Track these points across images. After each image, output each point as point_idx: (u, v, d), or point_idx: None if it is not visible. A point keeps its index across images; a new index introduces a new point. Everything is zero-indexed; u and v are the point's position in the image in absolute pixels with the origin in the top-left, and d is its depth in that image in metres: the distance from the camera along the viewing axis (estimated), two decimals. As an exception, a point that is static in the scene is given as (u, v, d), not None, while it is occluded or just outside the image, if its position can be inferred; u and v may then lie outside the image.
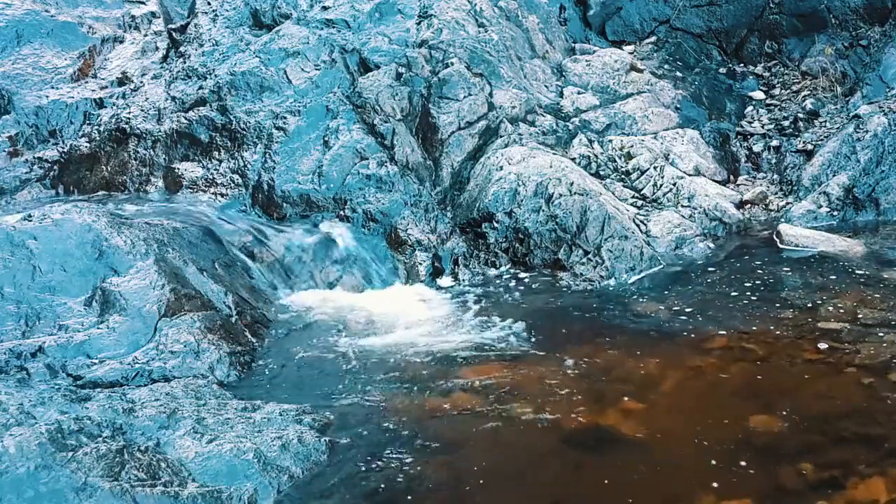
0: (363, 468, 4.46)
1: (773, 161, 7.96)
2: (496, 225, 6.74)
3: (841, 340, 5.43)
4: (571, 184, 6.79)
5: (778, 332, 5.59)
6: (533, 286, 6.45)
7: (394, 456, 4.54)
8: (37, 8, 8.55)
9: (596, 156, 7.51)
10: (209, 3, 8.27)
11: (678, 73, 8.53)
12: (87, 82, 8.16)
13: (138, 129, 7.48)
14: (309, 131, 7.20)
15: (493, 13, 8.07)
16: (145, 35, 8.69)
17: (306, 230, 6.77)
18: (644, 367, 5.31)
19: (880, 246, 6.84)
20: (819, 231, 7.04)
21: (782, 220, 7.33)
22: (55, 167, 7.52)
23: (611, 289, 6.39)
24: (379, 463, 4.49)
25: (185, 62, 7.88)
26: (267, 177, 7.01)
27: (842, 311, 5.78)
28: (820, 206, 7.36)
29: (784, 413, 4.77)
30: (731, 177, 7.90)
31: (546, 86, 8.11)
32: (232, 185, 7.08)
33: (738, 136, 8.13)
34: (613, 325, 5.88)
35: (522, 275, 6.58)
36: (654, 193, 7.33)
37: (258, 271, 6.43)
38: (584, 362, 5.41)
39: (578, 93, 8.06)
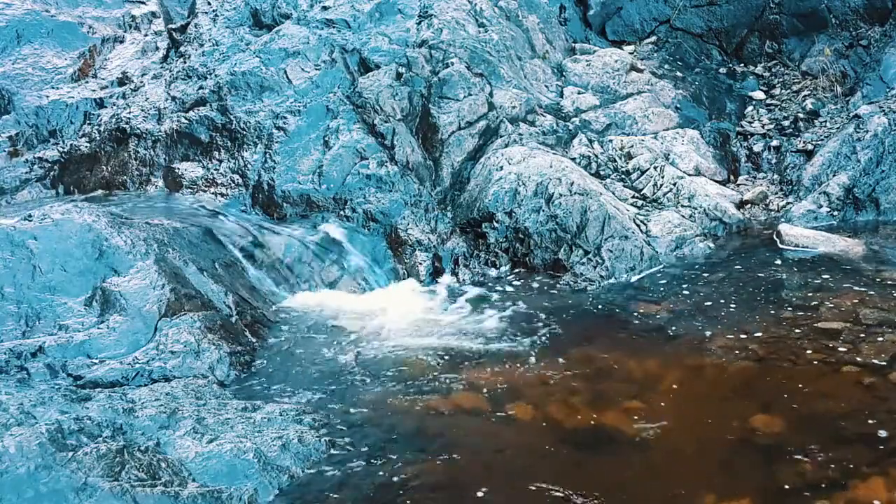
0: (363, 468, 4.46)
1: (774, 161, 7.97)
2: (496, 225, 6.74)
3: (841, 340, 5.43)
4: (571, 184, 6.80)
5: (778, 332, 5.59)
6: (533, 286, 6.45)
7: (394, 456, 4.54)
8: (37, 8, 8.55)
9: (596, 156, 7.51)
10: (209, 3, 8.27)
11: (678, 73, 8.53)
12: (87, 82, 8.16)
13: (138, 129, 7.48)
14: (309, 131, 7.20)
15: (493, 13, 8.07)
16: (145, 35, 8.69)
17: (306, 230, 6.77)
18: (644, 367, 5.32)
19: (880, 246, 6.84)
20: (819, 231, 7.04)
21: (782, 220, 7.33)
22: (55, 167, 7.52)
23: (611, 289, 6.39)
24: (379, 463, 4.49)
25: (185, 62, 7.88)
26: (267, 177, 7.01)
27: (842, 311, 5.78)
28: (820, 206, 7.36)
29: (784, 413, 4.77)
30: (732, 177, 7.90)
31: (546, 86, 8.11)
32: (232, 184, 7.08)
33: (739, 136, 8.13)
34: (613, 325, 5.88)
35: (523, 275, 6.58)
36: (654, 193, 7.33)
37: (258, 271, 6.42)
38: (584, 362, 5.41)
39: (578, 93, 8.06)
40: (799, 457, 4.40)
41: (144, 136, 7.44)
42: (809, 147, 7.87)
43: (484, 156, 7.20)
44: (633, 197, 7.30)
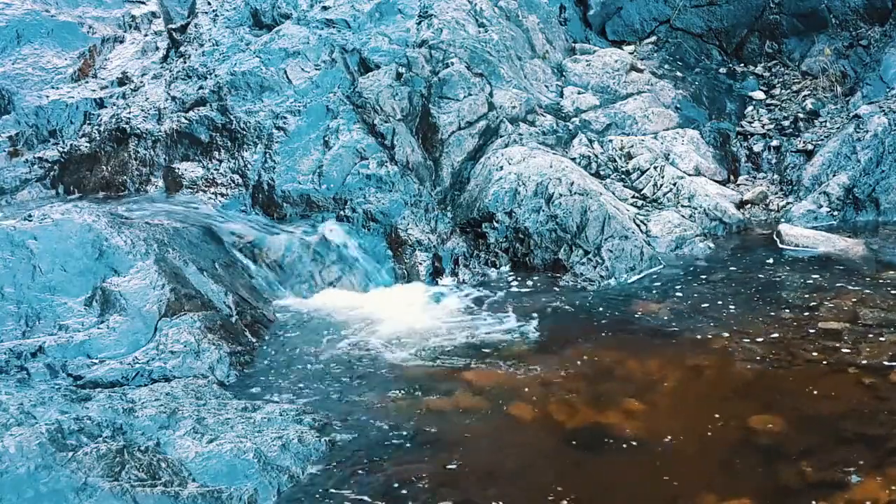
0: (363, 468, 4.46)
1: (774, 161, 7.97)
2: (496, 225, 6.74)
3: (841, 340, 5.43)
4: (571, 184, 6.80)
5: (778, 332, 5.59)
6: (533, 286, 6.45)
7: (394, 456, 4.54)
8: (37, 8, 8.54)
9: (596, 156, 7.51)
10: (209, 3, 8.26)
11: (678, 73, 8.53)
12: (87, 82, 8.15)
13: (138, 129, 7.48)
14: (309, 131, 7.20)
15: (493, 13, 8.07)
16: (145, 35, 8.68)
17: (306, 230, 6.77)
18: (644, 367, 5.32)
19: (880, 246, 6.84)
20: (819, 231, 7.04)
21: (782, 219, 7.33)
22: (55, 167, 7.52)
23: (611, 289, 6.39)
24: (379, 463, 4.49)
25: (185, 62, 7.87)
26: (267, 177, 7.01)
27: (842, 311, 5.79)
28: (820, 206, 7.36)
29: (784, 413, 4.77)
30: (732, 177, 7.90)
31: (546, 86, 8.11)
32: (232, 185, 7.08)
33: (739, 136, 8.13)
34: (613, 325, 5.88)
35: (523, 275, 6.58)
36: (654, 193, 7.33)
37: (258, 271, 6.43)
38: (584, 362, 5.41)
39: (578, 93, 8.06)
40: (799, 457, 4.40)
41: (144, 136, 7.44)
42: (809, 147, 7.87)
43: (484, 156, 7.20)
44: (633, 197, 7.30)
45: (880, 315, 5.69)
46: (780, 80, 8.53)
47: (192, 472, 4.30)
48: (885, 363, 5.17)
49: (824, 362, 5.23)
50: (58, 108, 7.84)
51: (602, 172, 7.43)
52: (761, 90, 8.48)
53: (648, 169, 7.44)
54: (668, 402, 4.97)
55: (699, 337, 5.63)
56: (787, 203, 7.52)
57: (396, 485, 4.32)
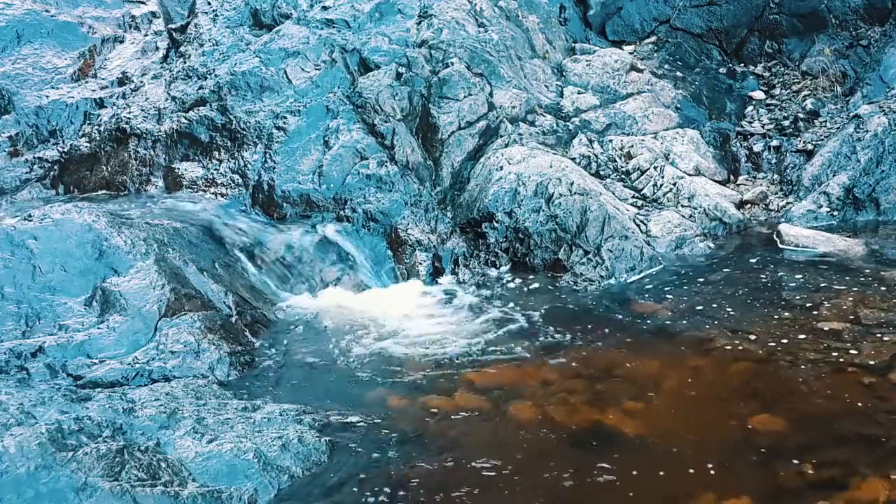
0: (363, 468, 4.46)
1: (774, 161, 7.97)
2: (496, 225, 6.74)
3: (841, 340, 5.43)
4: (571, 184, 6.80)
5: (778, 332, 5.59)
6: (533, 286, 6.45)
7: (394, 456, 4.54)
8: (37, 8, 8.55)
9: (596, 156, 7.51)
10: (209, 3, 8.27)
11: (678, 73, 8.53)
12: (87, 82, 8.16)
13: (138, 129, 7.48)
14: (309, 131, 7.20)
15: (493, 13, 8.07)
16: (145, 35, 8.69)
17: (306, 230, 6.77)
18: (644, 367, 5.31)
19: (880, 246, 6.84)
20: (819, 231, 7.04)
21: (782, 219, 7.33)
22: (55, 167, 7.52)
23: (611, 289, 6.39)
24: (379, 463, 4.49)
25: (185, 62, 7.88)
26: (267, 177, 7.01)
27: (842, 311, 5.78)
28: (820, 206, 7.36)
29: (784, 413, 4.77)
30: (732, 177, 7.90)
31: (546, 86, 8.11)
32: (232, 185, 7.08)
33: (739, 136, 8.13)
34: (613, 326, 5.88)
35: (523, 275, 6.58)
36: (654, 193, 7.33)
37: (258, 271, 6.43)
38: (584, 362, 5.41)
39: (578, 93, 8.06)
40: (799, 457, 4.40)
41: (144, 136, 7.44)
42: (809, 147, 7.87)
43: (484, 156, 7.20)
44: (633, 197, 7.30)
45: (880, 315, 5.69)
46: (780, 80, 8.53)
47: (192, 472, 4.30)
48: (885, 363, 5.16)
49: (824, 362, 5.23)
50: (58, 108, 7.85)
51: (602, 172, 7.43)
52: (761, 90, 8.48)
53: (648, 169, 7.44)
54: (668, 402, 4.97)
55: (699, 337, 5.63)
56: (787, 203, 7.52)
57: (396, 485, 4.32)
